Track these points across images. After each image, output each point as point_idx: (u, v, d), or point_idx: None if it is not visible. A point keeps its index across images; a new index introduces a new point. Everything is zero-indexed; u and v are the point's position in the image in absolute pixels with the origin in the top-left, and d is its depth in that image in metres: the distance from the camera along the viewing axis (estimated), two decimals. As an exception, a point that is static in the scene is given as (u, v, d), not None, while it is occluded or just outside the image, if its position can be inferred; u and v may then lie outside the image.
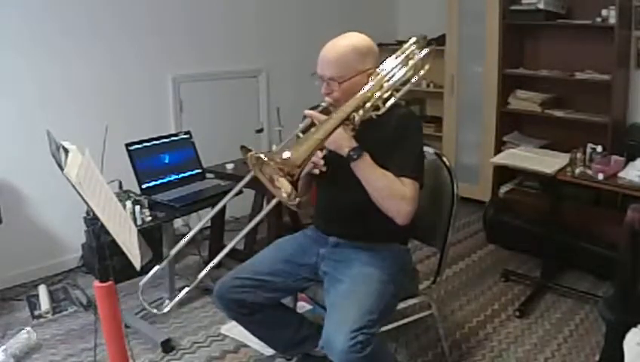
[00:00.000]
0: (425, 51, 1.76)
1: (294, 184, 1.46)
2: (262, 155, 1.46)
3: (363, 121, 1.66)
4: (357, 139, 1.65)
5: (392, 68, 1.73)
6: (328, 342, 1.60)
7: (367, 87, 1.67)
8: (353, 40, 1.76)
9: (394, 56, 1.77)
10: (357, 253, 1.86)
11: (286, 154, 1.46)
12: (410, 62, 1.74)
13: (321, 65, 1.75)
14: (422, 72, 1.75)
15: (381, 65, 1.75)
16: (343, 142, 1.63)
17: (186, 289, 1.65)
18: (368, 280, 1.75)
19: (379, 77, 1.70)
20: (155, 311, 1.68)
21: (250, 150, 1.52)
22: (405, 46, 1.79)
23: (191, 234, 1.70)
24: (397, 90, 1.72)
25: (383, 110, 1.67)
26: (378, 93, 1.67)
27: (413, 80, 1.73)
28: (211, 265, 1.65)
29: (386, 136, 1.74)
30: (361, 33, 1.82)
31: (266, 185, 1.54)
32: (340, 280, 1.78)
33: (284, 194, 1.48)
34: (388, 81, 1.70)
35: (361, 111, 1.64)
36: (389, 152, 1.71)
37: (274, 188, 1.51)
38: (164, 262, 1.73)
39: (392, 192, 1.67)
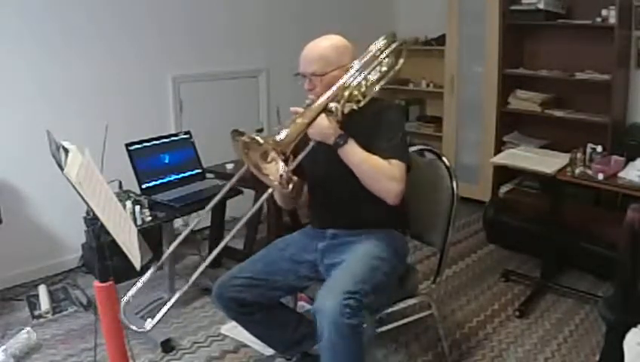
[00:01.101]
0: (394, 45, 1.88)
1: (286, 161, 1.58)
2: (257, 137, 1.56)
3: (346, 114, 1.75)
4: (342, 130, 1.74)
5: (366, 60, 1.84)
6: (320, 305, 1.63)
7: (343, 78, 1.78)
8: (331, 39, 1.89)
9: (367, 50, 1.88)
10: (354, 240, 1.90)
11: (278, 137, 1.58)
12: (382, 55, 1.86)
13: (303, 63, 1.86)
14: (397, 67, 1.89)
15: (356, 60, 1.85)
16: (328, 130, 1.71)
17: (169, 305, 1.61)
18: (361, 256, 1.82)
19: (353, 69, 1.81)
20: (134, 328, 1.61)
21: (242, 133, 1.59)
22: (376, 42, 1.89)
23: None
24: (374, 84, 1.83)
25: (363, 102, 1.78)
26: (354, 83, 1.77)
27: (388, 75, 1.87)
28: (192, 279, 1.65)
29: (368, 124, 1.82)
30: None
31: (254, 172, 1.62)
32: (340, 262, 1.83)
33: (272, 178, 1.59)
34: (362, 71, 1.80)
35: (342, 101, 1.74)
36: (373, 138, 1.79)
37: (262, 175, 1.61)
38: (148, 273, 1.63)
39: (380, 173, 1.75)
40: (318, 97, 1.79)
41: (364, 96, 1.79)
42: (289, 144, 1.60)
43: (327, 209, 1.99)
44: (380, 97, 1.88)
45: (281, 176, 1.58)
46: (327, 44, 1.87)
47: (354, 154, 1.73)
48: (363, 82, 1.80)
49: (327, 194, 1.96)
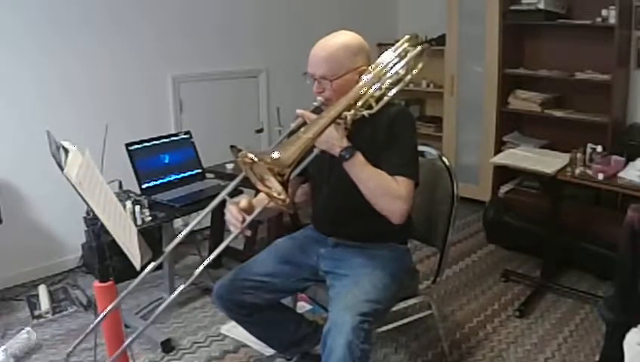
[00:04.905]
0: (417, 49, 1.73)
1: (284, 184, 1.44)
2: (252, 155, 1.43)
3: (355, 120, 1.63)
4: (349, 139, 1.63)
5: (385, 65, 1.71)
6: (336, 323, 1.59)
7: (359, 85, 1.65)
8: (343, 38, 1.74)
9: (387, 53, 1.76)
10: (357, 252, 1.86)
11: (276, 154, 1.44)
12: (403, 61, 1.72)
13: (311, 64, 1.73)
14: (415, 71, 1.72)
15: (374, 63, 1.74)
16: (334, 141, 1.60)
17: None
18: (372, 274, 1.76)
19: (371, 75, 1.68)
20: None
21: (240, 150, 1.51)
22: (398, 44, 1.77)
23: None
24: (389, 89, 1.69)
25: (375, 109, 1.65)
26: (370, 91, 1.65)
27: (406, 79, 1.71)
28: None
29: (379, 134, 1.72)
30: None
31: (257, 186, 1.51)
32: (345, 275, 1.79)
33: (275, 194, 1.46)
34: (380, 78, 1.68)
35: (352, 110, 1.62)
36: (382, 151, 1.70)
37: (265, 188, 1.49)
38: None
39: (385, 191, 1.65)
40: (327, 101, 1.71)
41: (377, 102, 1.65)
42: (288, 165, 1.44)
43: (330, 217, 1.92)
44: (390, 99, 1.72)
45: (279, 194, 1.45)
46: (338, 43, 1.72)
47: (359, 169, 1.62)
48: (379, 88, 1.66)
49: (331, 202, 1.89)
